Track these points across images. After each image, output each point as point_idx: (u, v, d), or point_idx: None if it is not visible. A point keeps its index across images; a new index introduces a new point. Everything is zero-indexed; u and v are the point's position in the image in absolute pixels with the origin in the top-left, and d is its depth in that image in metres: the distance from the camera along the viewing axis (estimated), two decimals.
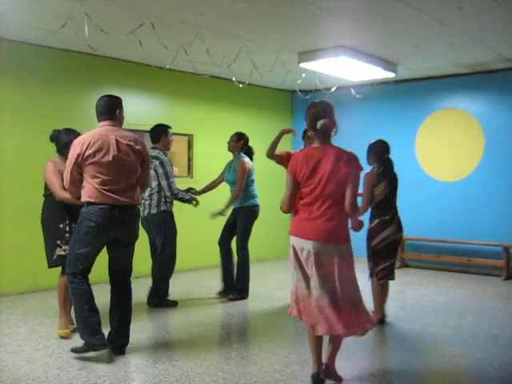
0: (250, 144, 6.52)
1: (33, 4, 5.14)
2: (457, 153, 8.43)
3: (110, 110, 4.23)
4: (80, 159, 4.05)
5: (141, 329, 4.92)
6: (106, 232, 4.10)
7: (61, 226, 4.72)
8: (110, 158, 4.05)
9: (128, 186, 4.15)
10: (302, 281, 3.57)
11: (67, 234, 4.71)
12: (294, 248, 3.59)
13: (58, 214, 4.72)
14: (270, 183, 9.40)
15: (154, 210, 5.73)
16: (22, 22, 5.64)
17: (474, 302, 6.22)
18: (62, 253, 4.70)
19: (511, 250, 7.79)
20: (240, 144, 6.28)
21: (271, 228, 9.26)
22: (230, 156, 6.43)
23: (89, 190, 4.07)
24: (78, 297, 4.13)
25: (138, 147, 4.21)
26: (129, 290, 4.37)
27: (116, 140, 4.10)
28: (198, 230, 7.98)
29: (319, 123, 3.54)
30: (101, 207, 4.04)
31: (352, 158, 3.57)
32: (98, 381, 3.70)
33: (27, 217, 6.26)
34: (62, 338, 4.65)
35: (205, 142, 8.47)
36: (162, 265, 5.82)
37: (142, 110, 7.68)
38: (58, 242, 4.71)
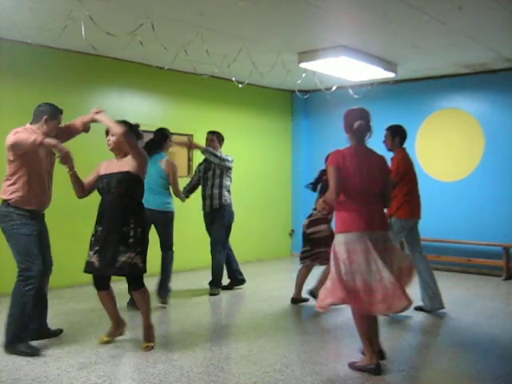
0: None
1: (33, 4, 5.14)
2: (457, 153, 8.42)
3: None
4: None
5: (141, 329, 4.91)
6: None
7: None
8: None
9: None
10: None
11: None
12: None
13: None
14: (269, 182, 9.41)
15: None
16: (21, 22, 5.64)
17: (474, 302, 6.22)
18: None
19: (511, 249, 7.80)
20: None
21: (271, 228, 9.26)
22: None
23: None
24: None
25: None
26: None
27: None
28: (198, 230, 7.97)
29: (356, 123, 3.87)
30: None
31: (386, 161, 4.09)
32: (98, 381, 3.70)
33: None
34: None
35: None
36: None
37: (142, 110, 7.68)
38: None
